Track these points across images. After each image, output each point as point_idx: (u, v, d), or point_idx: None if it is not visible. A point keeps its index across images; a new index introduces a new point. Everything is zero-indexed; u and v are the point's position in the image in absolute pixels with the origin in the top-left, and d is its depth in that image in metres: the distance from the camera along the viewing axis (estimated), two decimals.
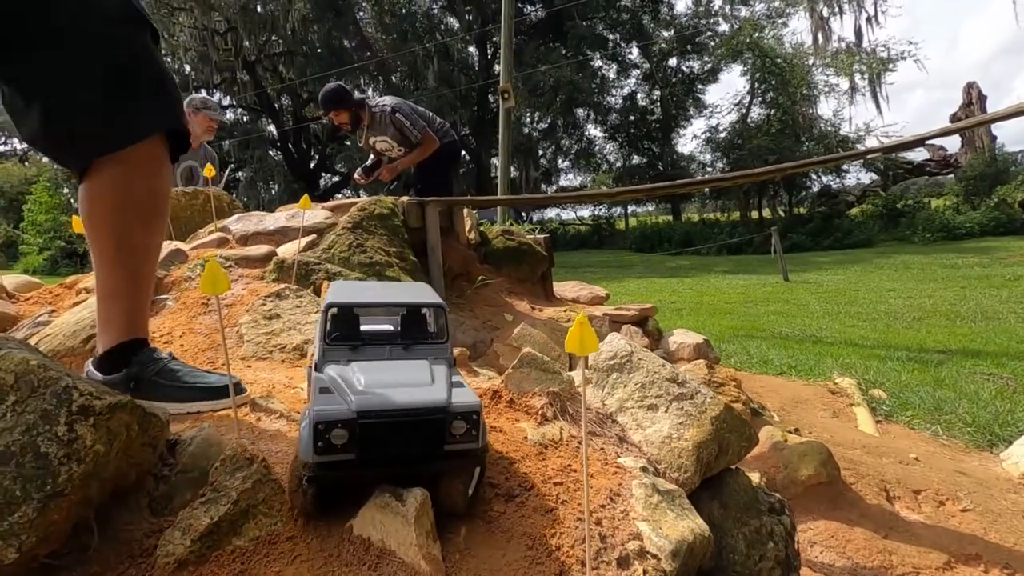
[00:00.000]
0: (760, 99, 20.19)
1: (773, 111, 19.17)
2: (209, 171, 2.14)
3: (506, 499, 0.85)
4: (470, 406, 0.77)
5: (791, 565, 1.15)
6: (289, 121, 25.12)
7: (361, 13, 23.58)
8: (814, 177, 19.45)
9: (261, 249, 1.93)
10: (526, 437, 1.02)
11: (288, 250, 1.93)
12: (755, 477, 1.42)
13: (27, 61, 0.95)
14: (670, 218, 24.61)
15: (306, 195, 1.71)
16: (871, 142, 17.95)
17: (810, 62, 18.81)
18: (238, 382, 1.12)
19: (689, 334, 2.57)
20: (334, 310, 0.92)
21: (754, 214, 21.37)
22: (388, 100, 3.90)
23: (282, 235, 2.08)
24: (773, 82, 18.74)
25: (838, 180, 19.91)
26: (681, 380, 1.18)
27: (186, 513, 0.66)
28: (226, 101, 25.35)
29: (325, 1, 21.37)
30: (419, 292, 1.04)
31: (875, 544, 1.76)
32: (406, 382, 0.80)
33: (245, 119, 26.19)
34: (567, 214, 28.92)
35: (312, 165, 25.33)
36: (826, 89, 19.00)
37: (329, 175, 26.70)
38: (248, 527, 0.67)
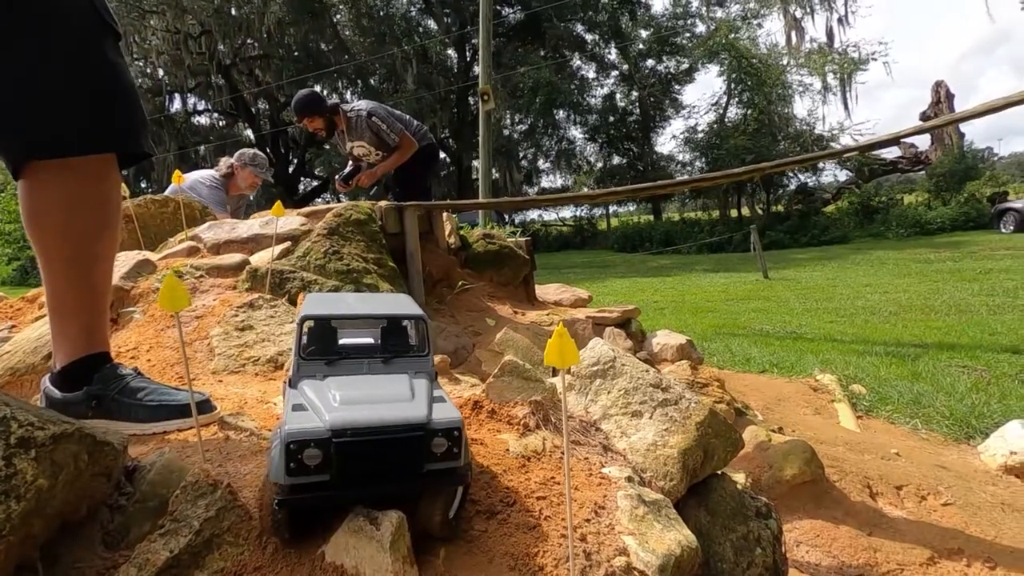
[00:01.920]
0: (737, 99, 20.47)
1: (750, 111, 19.44)
2: None
3: (487, 516, 0.82)
4: (451, 422, 0.74)
5: (779, 570, 1.14)
6: (266, 125, 24.80)
7: (338, 16, 23.37)
8: (791, 175, 19.76)
9: (234, 258, 1.87)
10: (508, 449, 0.99)
11: (261, 258, 1.87)
12: (740, 478, 1.41)
13: None
14: (651, 218, 24.81)
15: (279, 202, 1.66)
16: (845, 140, 18.30)
17: (784, 62, 19.12)
18: (207, 399, 1.07)
19: (672, 335, 2.57)
20: (309, 323, 0.89)
21: (733, 212, 21.63)
22: (363, 104, 3.85)
23: (255, 243, 2.02)
24: (749, 82, 19.00)
25: (814, 178, 20.26)
26: (665, 385, 1.16)
27: (143, 547, 0.61)
28: (201, 106, 24.93)
29: (301, 4, 21.13)
30: (399, 304, 1.01)
31: (860, 542, 1.77)
32: (384, 398, 0.77)
33: (221, 124, 25.77)
34: (549, 215, 28.99)
35: (290, 170, 25.01)
36: (800, 89, 19.33)
37: (308, 179, 26.39)
38: (212, 559, 0.63)
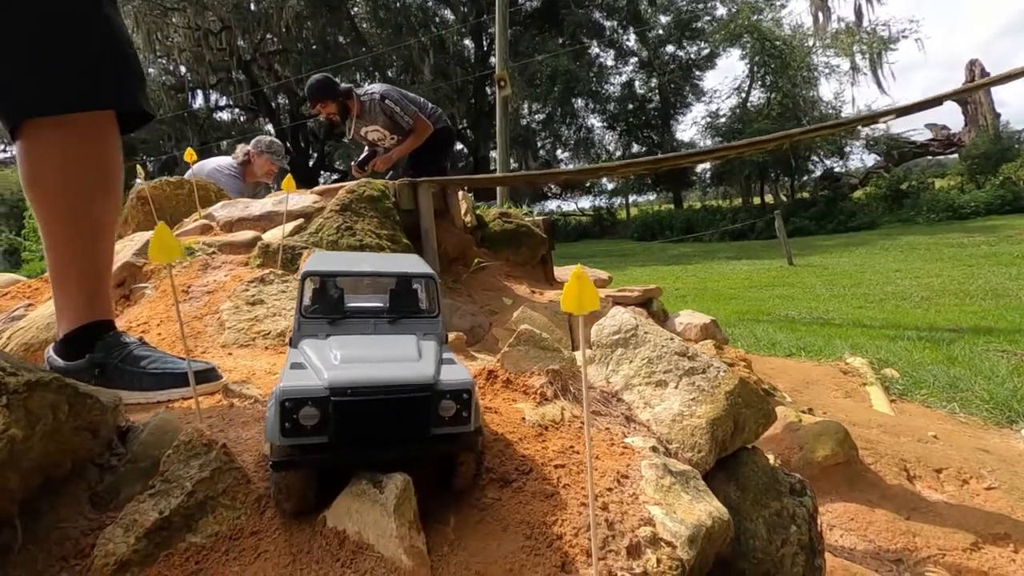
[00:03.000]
0: (760, 83, 19.98)
1: (773, 94, 18.96)
2: None
3: (501, 484, 0.76)
4: (461, 384, 0.69)
5: (814, 549, 1.06)
6: (286, 120, 25.01)
7: (355, 8, 23.39)
8: (817, 160, 19.27)
9: (246, 235, 1.85)
10: (524, 418, 0.93)
11: (274, 235, 1.84)
12: (769, 458, 1.33)
13: None
14: (671, 206, 24.45)
15: (289, 175, 1.62)
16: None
17: (810, 43, 18.57)
18: (212, 367, 1.04)
19: (696, 315, 2.48)
20: (312, 280, 0.84)
21: (756, 200, 21.19)
22: (377, 87, 3.80)
23: (268, 220, 1.99)
24: (772, 65, 18.52)
25: (841, 163, 19.73)
26: (692, 353, 1.09)
27: (131, 507, 0.57)
28: (222, 101, 25.25)
29: None
30: (408, 263, 0.95)
31: (898, 525, 1.68)
32: (389, 357, 0.72)
33: (242, 119, 26.09)
34: (568, 205, 28.79)
35: (311, 163, 25.24)
36: (826, 71, 18.78)
37: (328, 172, 26.59)
38: (205, 522, 0.59)
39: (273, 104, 24.83)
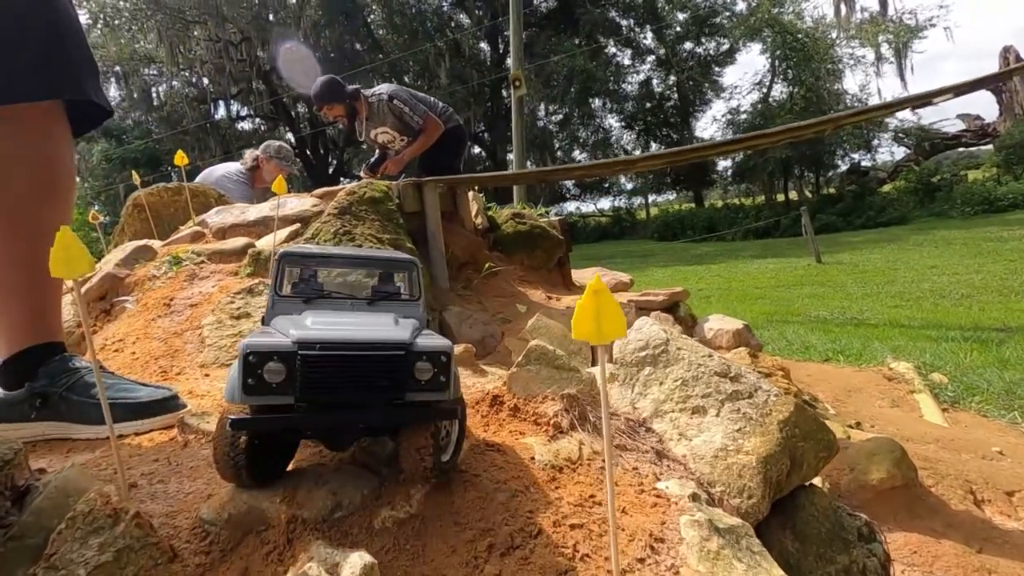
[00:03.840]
0: (782, 77, 19.50)
1: (796, 88, 18.47)
2: None
3: (502, 553, 0.60)
4: (438, 347, 0.66)
5: None
6: (306, 128, 25.29)
7: (371, 16, 23.56)
8: (842, 154, 18.71)
9: (238, 242, 1.72)
10: (533, 458, 0.77)
11: (267, 242, 1.71)
12: (817, 482, 1.15)
13: None
14: (692, 205, 24.02)
15: (280, 177, 1.48)
16: (903, 113, 17.16)
17: (833, 35, 18.06)
18: (174, 395, 0.90)
19: (727, 319, 2.29)
20: (288, 263, 0.80)
21: (780, 197, 20.68)
22: (384, 88, 3.68)
23: (264, 226, 1.86)
24: (795, 58, 18.04)
25: (868, 157, 19.12)
26: (735, 374, 0.91)
27: None
28: (243, 111, 25.63)
29: (335, 6, 21.40)
30: (390, 252, 0.94)
31: (969, 560, 1.46)
32: (363, 324, 0.70)
33: (263, 128, 26.45)
34: (586, 207, 28.52)
35: (330, 171, 25.44)
36: (851, 62, 18.22)
37: (347, 179, 26.79)
38: None
39: (292, 113, 25.12)
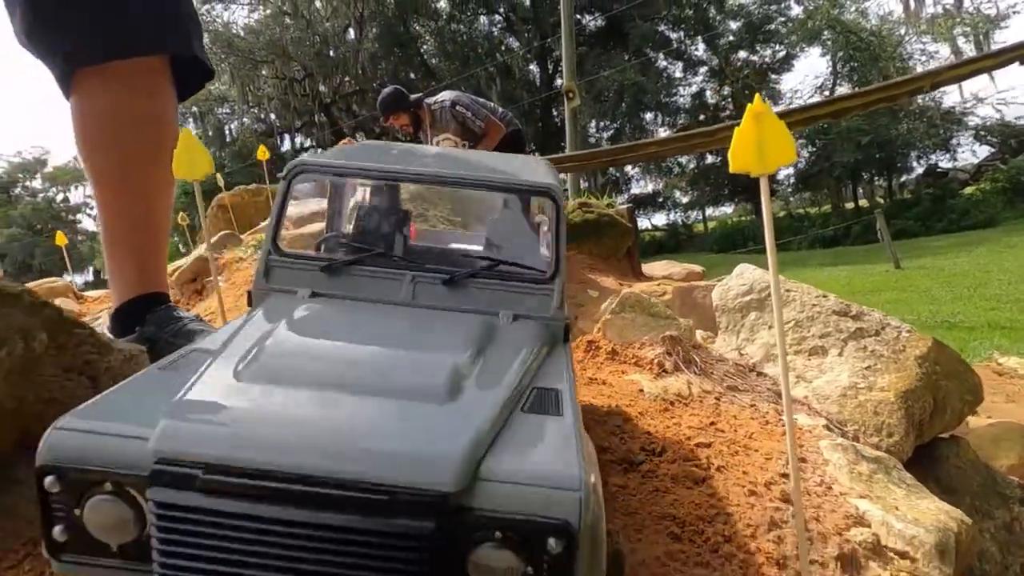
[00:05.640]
0: (845, 79, 18.69)
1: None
2: None
3: (625, 467, 0.55)
4: (543, 503, 0.28)
5: None
6: None
7: (424, 45, 24.48)
8: (917, 156, 17.61)
9: (313, 227, 1.77)
10: (641, 390, 0.72)
11: None
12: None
13: None
14: (752, 217, 23.20)
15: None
16: (985, 111, 16.02)
17: (902, 32, 17.18)
18: None
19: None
20: (304, 179, 0.47)
21: (848, 204, 19.65)
22: (447, 95, 3.77)
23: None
24: (859, 59, 17.27)
25: (947, 157, 17.91)
26: (856, 312, 0.83)
27: None
28: (307, 143, 27.05)
29: (391, 38, 22.38)
30: (520, 166, 0.53)
31: None
32: (377, 385, 0.33)
33: None
34: (641, 222, 28.14)
35: None
36: (923, 59, 17.24)
37: None
38: None
39: (352, 142, 26.29)
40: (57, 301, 1.84)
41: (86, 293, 2.19)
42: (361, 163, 0.48)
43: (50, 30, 0.85)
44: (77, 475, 0.28)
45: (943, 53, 16.73)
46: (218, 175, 2.50)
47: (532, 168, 0.53)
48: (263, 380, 0.31)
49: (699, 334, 1.04)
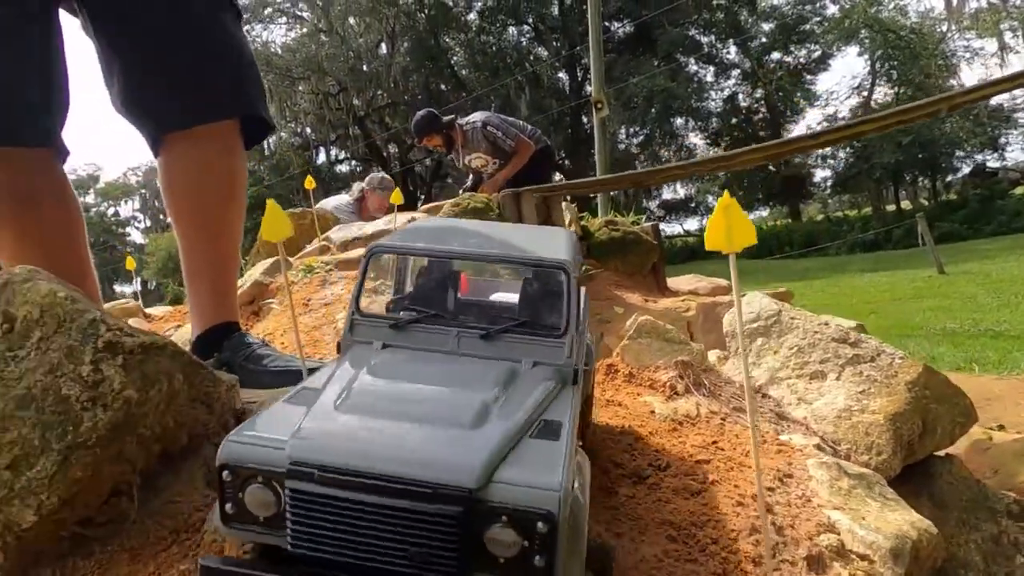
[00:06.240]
0: (884, 78, 18.20)
1: (902, 89, 17.13)
2: None
3: (634, 480, 0.65)
4: (536, 499, 0.41)
5: None
6: (396, 166, 26.91)
7: (455, 57, 24.92)
8: (962, 155, 16.97)
9: (359, 252, 1.92)
10: (653, 411, 0.81)
11: None
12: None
13: (124, 24, 0.97)
14: (789, 220, 22.71)
15: (397, 189, 1.66)
16: None
17: (944, 28, 16.65)
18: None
19: (837, 319, 2.18)
20: (386, 259, 0.65)
21: (890, 206, 19.05)
22: (478, 116, 3.92)
23: (380, 238, 2.07)
24: (899, 57, 16.80)
25: (996, 156, 17.21)
26: (854, 340, 0.91)
27: None
28: (341, 155, 27.82)
29: (422, 52, 22.85)
30: (549, 243, 0.63)
31: None
32: (426, 415, 0.46)
33: (359, 169, 28.47)
34: (672, 227, 27.82)
35: (419, 204, 26.82)
36: (967, 55, 16.66)
37: None
38: None
39: (384, 153, 26.87)
40: (131, 321, 2.03)
41: (150, 310, 2.39)
42: (416, 244, 0.65)
43: (146, 102, 1.01)
44: (241, 470, 0.43)
45: (989, 49, 16.15)
46: (268, 200, 2.69)
47: (556, 244, 0.63)
48: (352, 412, 0.47)
49: (715, 354, 1.13)
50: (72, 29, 1.05)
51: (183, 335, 1.64)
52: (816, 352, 0.91)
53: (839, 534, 0.55)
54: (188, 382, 0.58)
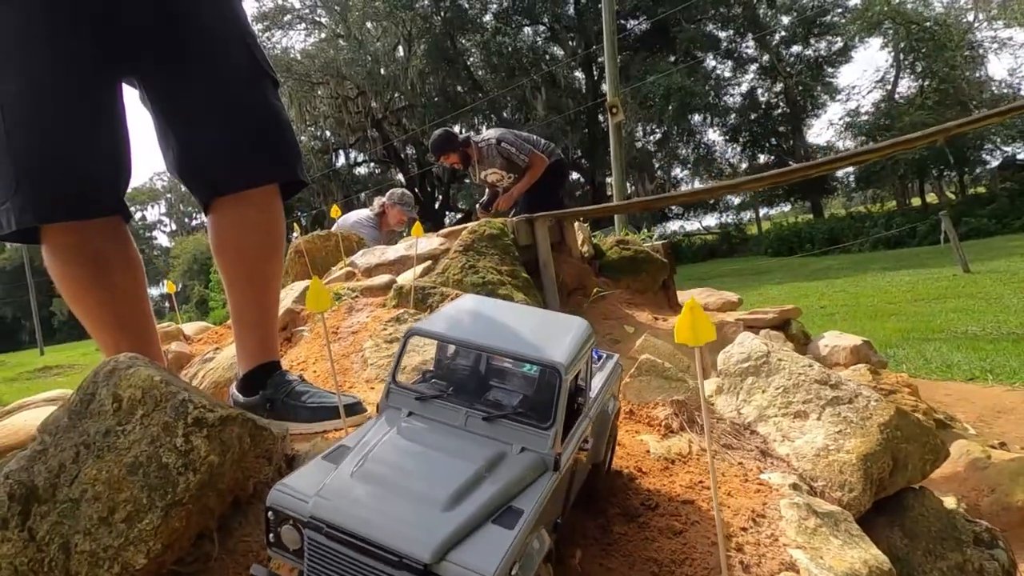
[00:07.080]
0: (908, 70, 17.82)
1: (927, 81, 16.78)
2: None
3: (627, 519, 0.75)
4: None
5: None
6: (414, 168, 27.18)
7: (471, 59, 25.05)
8: (991, 148, 16.54)
9: (383, 278, 2.04)
10: (648, 451, 0.91)
11: (406, 277, 2.01)
12: (950, 502, 1.15)
13: (175, 101, 1.09)
14: (810, 216, 22.38)
15: (417, 223, 1.78)
16: None
17: (970, 18, 16.25)
18: (358, 402, 1.15)
19: (844, 336, 2.24)
20: (416, 339, 0.71)
21: (915, 201, 18.67)
22: (492, 133, 4.03)
23: (401, 264, 2.18)
24: (923, 49, 16.43)
25: None
26: (835, 382, 0.99)
27: None
28: (360, 158, 28.20)
29: (438, 54, 23.03)
30: (553, 333, 0.71)
31: None
32: (418, 491, 0.57)
33: (377, 172, 28.81)
34: (691, 225, 27.61)
35: (436, 206, 27.06)
36: (994, 46, 16.24)
37: (453, 213, 28.32)
38: None
39: (402, 155, 27.16)
40: (173, 345, 2.18)
41: (187, 328, 2.54)
42: (436, 329, 0.74)
43: (197, 172, 1.14)
44: (280, 513, 0.57)
45: (1018, 39, 15.71)
46: (295, 224, 2.83)
47: (563, 340, 0.71)
48: (362, 480, 0.59)
49: (714, 383, 1.22)
50: (131, 99, 1.18)
51: (224, 359, 1.78)
52: (800, 393, 1.00)
53: (798, 572, 0.65)
54: (253, 443, 0.70)
